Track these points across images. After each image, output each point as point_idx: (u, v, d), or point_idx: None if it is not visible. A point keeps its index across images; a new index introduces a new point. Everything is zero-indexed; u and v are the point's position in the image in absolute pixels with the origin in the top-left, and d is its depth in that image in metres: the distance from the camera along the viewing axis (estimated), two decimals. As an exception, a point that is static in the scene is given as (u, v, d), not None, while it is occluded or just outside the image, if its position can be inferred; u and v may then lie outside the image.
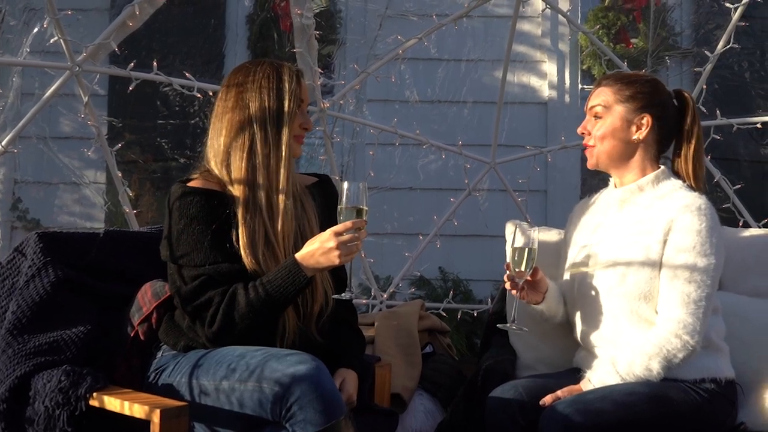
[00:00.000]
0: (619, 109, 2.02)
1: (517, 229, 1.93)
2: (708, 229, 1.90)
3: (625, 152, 2.03)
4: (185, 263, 1.79)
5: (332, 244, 1.70)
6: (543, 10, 4.20)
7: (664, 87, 2.07)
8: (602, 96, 2.05)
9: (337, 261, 1.71)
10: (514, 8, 3.24)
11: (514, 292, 1.99)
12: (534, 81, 4.57)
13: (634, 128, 2.01)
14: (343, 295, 1.84)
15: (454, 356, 2.98)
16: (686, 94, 2.08)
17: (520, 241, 1.92)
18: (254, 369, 1.64)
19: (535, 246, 1.92)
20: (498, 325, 2.10)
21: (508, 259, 1.96)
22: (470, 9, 3.20)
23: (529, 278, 1.99)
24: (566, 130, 4.23)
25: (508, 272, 1.96)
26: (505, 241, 2.25)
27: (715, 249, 1.90)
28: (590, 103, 2.08)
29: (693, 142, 2.03)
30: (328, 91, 4.22)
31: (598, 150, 2.04)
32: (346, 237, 1.71)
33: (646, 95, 2.02)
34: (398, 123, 3.37)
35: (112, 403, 1.70)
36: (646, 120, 2.01)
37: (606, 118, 2.03)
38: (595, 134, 2.04)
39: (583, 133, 2.08)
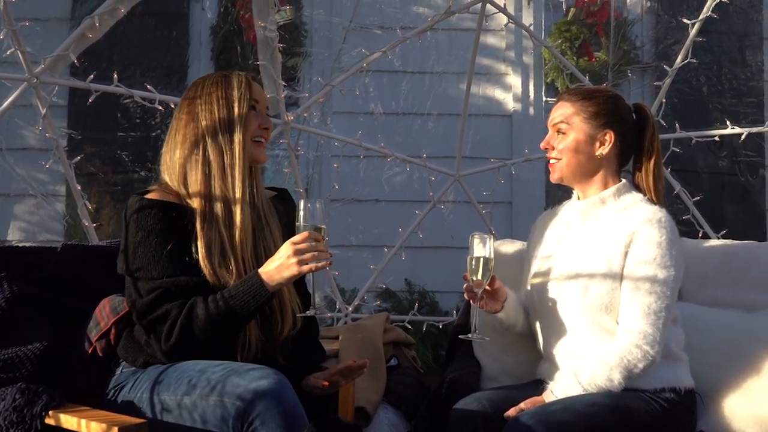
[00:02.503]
0: (583, 126, 2.04)
1: (475, 239, 1.95)
2: (668, 242, 1.93)
3: (588, 167, 2.06)
4: (141, 276, 1.76)
5: (290, 252, 1.71)
6: (506, 24, 4.24)
7: (624, 102, 2.10)
8: (565, 111, 2.06)
9: (296, 270, 1.71)
10: (477, 22, 3.27)
11: (473, 301, 2.00)
12: (498, 93, 4.61)
13: (597, 144, 2.04)
14: (307, 312, 1.84)
15: (419, 369, 2.98)
16: (645, 108, 2.11)
17: (477, 251, 1.94)
18: (215, 384, 1.62)
19: (492, 256, 1.95)
20: (460, 336, 2.11)
21: (467, 269, 1.97)
22: (434, 23, 3.22)
23: (487, 287, 2.00)
24: (530, 142, 4.27)
25: (466, 282, 1.98)
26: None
27: (674, 261, 1.93)
28: (553, 119, 2.09)
29: (653, 156, 2.06)
30: (293, 103, 4.21)
31: (562, 165, 2.06)
32: (303, 246, 1.71)
33: (609, 112, 2.04)
34: (363, 135, 3.37)
35: (69, 421, 1.66)
36: (609, 136, 2.03)
37: (569, 133, 2.05)
38: (558, 149, 2.06)
39: (546, 148, 2.10)
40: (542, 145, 2.11)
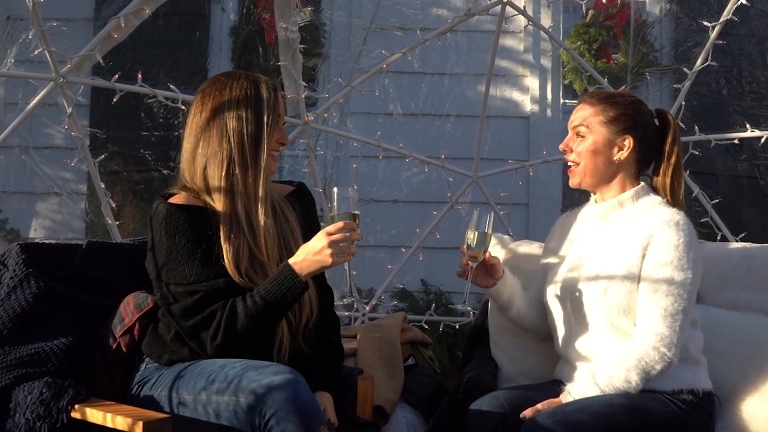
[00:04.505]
0: (602, 130, 2.05)
1: (476, 214, 2.03)
2: (686, 244, 1.94)
3: (607, 171, 2.07)
4: (178, 281, 1.77)
5: (324, 243, 1.70)
6: (525, 26, 4.26)
7: (646, 108, 2.10)
8: (586, 115, 2.07)
9: (329, 261, 1.70)
10: (497, 24, 3.28)
11: (468, 265, 2.07)
12: (516, 95, 4.62)
13: (616, 149, 2.05)
14: (344, 300, 1.86)
15: (436, 368, 2.99)
16: (668, 115, 2.11)
17: (477, 225, 2.03)
18: (232, 380, 1.64)
19: (491, 231, 2.04)
20: (451, 306, 2.16)
21: (465, 242, 2.06)
22: (454, 24, 3.24)
23: (485, 260, 2.08)
24: (548, 143, 4.28)
25: (464, 255, 2.06)
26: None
27: (692, 264, 1.93)
28: (573, 122, 2.10)
29: (673, 161, 2.07)
30: (312, 103, 4.25)
31: (580, 170, 2.07)
32: (338, 236, 1.70)
33: (630, 117, 2.05)
34: (382, 136, 3.39)
35: (95, 415, 1.69)
36: (628, 141, 2.04)
37: (588, 137, 2.06)
38: (577, 152, 2.07)
39: (565, 150, 2.11)
40: (561, 146, 2.12)
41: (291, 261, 1.75)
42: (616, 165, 2.06)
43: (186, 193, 1.85)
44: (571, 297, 2.05)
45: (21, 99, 3.81)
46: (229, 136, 1.82)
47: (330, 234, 1.70)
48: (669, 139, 2.07)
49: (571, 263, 2.11)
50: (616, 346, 1.96)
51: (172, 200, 1.83)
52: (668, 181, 2.07)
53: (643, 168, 2.11)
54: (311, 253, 1.72)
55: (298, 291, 1.74)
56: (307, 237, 1.78)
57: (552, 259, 2.21)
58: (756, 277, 2.40)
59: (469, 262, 2.06)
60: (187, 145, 1.87)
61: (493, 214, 2.05)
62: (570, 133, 2.11)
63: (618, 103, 2.06)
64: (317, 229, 1.77)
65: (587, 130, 2.06)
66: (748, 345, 2.19)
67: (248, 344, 1.75)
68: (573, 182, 2.11)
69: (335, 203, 1.76)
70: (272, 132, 1.85)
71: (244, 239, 1.80)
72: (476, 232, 2.03)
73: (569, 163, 2.10)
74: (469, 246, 2.04)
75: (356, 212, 1.77)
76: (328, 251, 1.70)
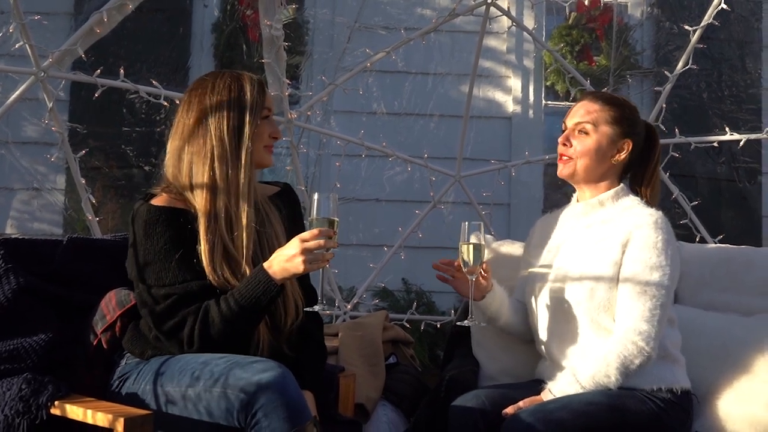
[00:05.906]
0: (607, 130, 2.07)
1: (468, 226, 2.01)
2: (663, 242, 1.97)
3: (600, 171, 2.09)
4: (154, 283, 1.76)
5: (296, 250, 1.69)
6: (509, 27, 4.28)
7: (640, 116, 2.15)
8: (591, 113, 2.08)
9: (301, 268, 1.69)
10: (481, 24, 3.29)
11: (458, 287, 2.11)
12: (499, 96, 4.64)
13: (615, 151, 2.08)
14: (314, 307, 1.83)
15: (417, 367, 3.00)
16: (654, 127, 2.18)
17: (471, 238, 2.01)
18: (219, 377, 1.64)
19: (483, 242, 2.02)
20: (457, 323, 2.15)
21: (459, 256, 2.03)
22: (438, 24, 3.25)
23: (482, 270, 2.07)
24: (530, 144, 4.31)
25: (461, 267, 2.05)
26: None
27: (670, 261, 1.97)
28: (577, 118, 2.10)
29: (654, 168, 2.14)
30: (295, 101, 4.23)
31: (577, 164, 2.08)
32: (311, 244, 1.69)
33: (631, 121, 2.09)
34: (365, 135, 3.39)
35: (75, 411, 1.68)
36: (627, 145, 2.08)
37: (593, 135, 2.07)
38: (577, 149, 2.08)
39: (565, 144, 2.10)
40: (561, 140, 2.11)
41: (264, 265, 1.74)
42: (611, 166, 2.09)
43: (167, 194, 1.84)
44: (557, 298, 2.07)
45: (0, 93, 3.76)
46: (212, 133, 1.82)
47: (304, 241, 1.69)
48: (656, 152, 2.14)
49: (555, 265, 2.12)
50: (596, 343, 1.99)
51: (153, 201, 1.82)
52: (649, 186, 2.12)
53: (628, 171, 2.15)
54: (284, 259, 1.71)
55: (273, 294, 1.73)
56: (291, 238, 1.76)
57: (534, 261, 2.22)
58: (734, 279, 2.43)
59: (468, 276, 2.04)
60: (172, 145, 1.87)
61: (482, 225, 2.01)
62: (570, 128, 2.10)
63: (623, 105, 2.10)
64: (302, 230, 1.76)
65: (592, 127, 2.07)
66: (726, 345, 2.22)
67: (226, 346, 1.74)
68: (563, 172, 2.11)
69: (314, 208, 1.74)
70: (257, 127, 1.85)
71: (219, 235, 1.79)
72: (470, 246, 1.99)
73: (565, 156, 2.11)
74: (464, 261, 2.01)
75: (335, 218, 1.74)
76: (300, 258, 1.69)
